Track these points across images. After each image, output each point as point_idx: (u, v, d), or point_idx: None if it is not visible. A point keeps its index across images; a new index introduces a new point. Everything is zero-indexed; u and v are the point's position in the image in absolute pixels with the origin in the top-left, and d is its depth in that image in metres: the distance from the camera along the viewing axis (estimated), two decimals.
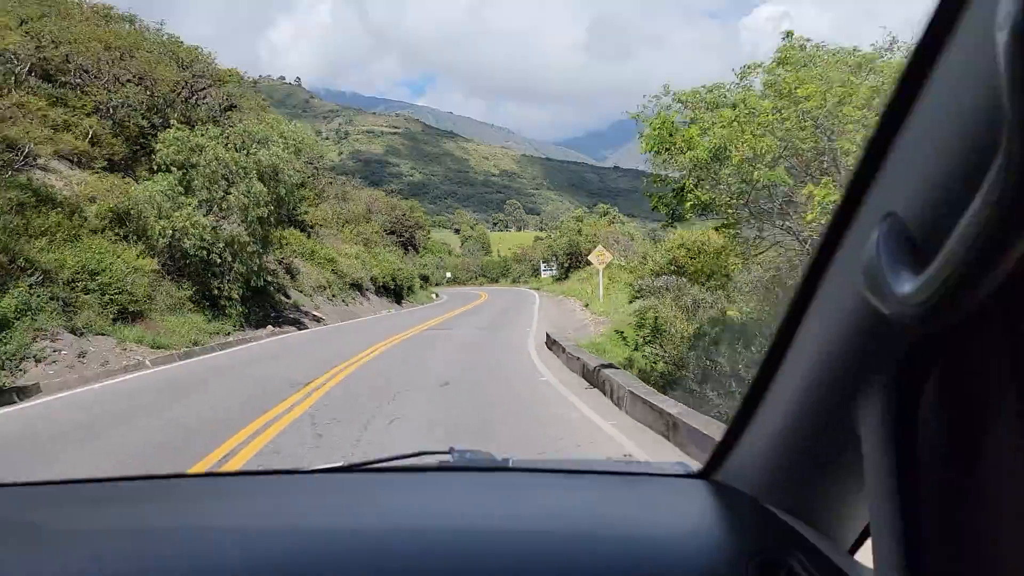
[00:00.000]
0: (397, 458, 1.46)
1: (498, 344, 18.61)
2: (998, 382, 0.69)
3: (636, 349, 15.45)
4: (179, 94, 27.62)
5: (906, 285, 0.60)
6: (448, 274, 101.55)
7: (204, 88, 29.43)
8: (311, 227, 39.13)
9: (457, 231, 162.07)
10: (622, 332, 18.33)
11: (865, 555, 0.95)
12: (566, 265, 60.51)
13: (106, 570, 0.97)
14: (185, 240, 20.22)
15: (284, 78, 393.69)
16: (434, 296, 57.27)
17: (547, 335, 17.77)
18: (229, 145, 22.29)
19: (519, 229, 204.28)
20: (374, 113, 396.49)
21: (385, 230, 54.57)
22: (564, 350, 14.58)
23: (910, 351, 0.75)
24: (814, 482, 1.05)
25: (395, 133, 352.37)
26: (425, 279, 62.17)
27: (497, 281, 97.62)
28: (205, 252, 20.78)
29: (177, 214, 20.19)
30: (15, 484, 1.35)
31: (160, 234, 20.06)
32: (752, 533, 1.07)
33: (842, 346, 0.83)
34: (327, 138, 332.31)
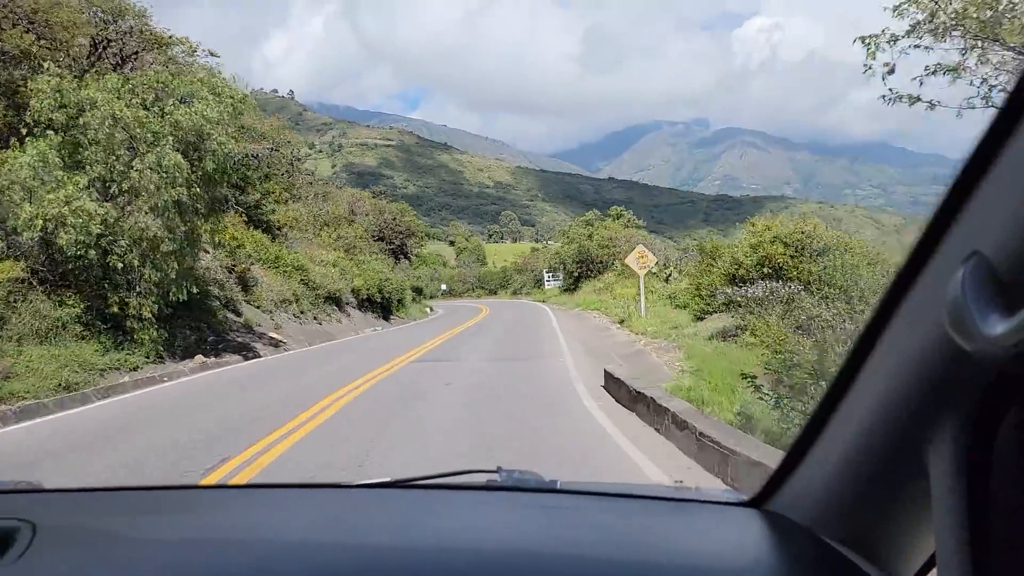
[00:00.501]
0: (445, 475, 1.40)
1: (528, 388, 11.62)
2: None
3: (777, 405, 8.68)
4: (97, 56, 20.83)
5: (997, 327, 0.59)
6: (443, 286, 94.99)
7: (136, 53, 22.48)
8: (279, 228, 32.33)
9: (452, 243, 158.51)
10: (705, 374, 11.45)
11: None
12: (576, 274, 53.75)
13: None
14: (61, 234, 13.45)
15: (277, 91, 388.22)
16: (428, 310, 50.39)
17: (606, 373, 11.07)
18: (134, 101, 15.46)
19: (514, 240, 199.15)
20: (368, 126, 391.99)
21: (372, 235, 47.72)
22: (651, 403, 8.22)
23: (988, 391, 0.74)
24: (875, 516, 1.01)
25: (389, 145, 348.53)
26: (418, 291, 55.50)
27: (496, 293, 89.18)
28: (97, 252, 14.03)
29: (51, 196, 13.42)
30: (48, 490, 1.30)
31: (26, 225, 13.33)
32: (809, 566, 1.03)
33: (918, 379, 0.81)
34: (320, 151, 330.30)
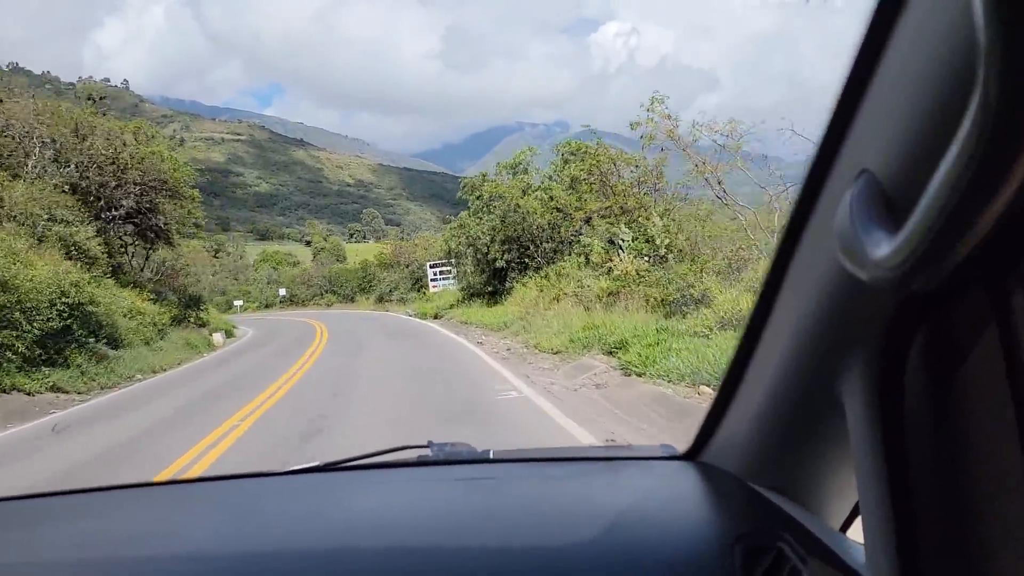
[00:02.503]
0: (375, 454, 1.37)
1: None
2: (983, 346, 0.65)
3: None
4: None
5: (882, 247, 0.55)
6: (282, 291, 67.51)
7: None
8: None
9: (308, 243, 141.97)
10: None
11: (857, 532, 0.88)
12: (499, 265, 28.08)
13: None
14: None
15: (109, 80, 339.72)
16: (212, 340, 25.16)
17: None
18: None
19: (378, 240, 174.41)
20: (214, 120, 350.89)
21: (69, 186, 20.59)
22: None
23: (892, 318, 0.71)
24: (801, 459, 0.99)
25: (238, 140, 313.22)
26: (195, 304, 29.08)
27: (354, 300, 60.90)
28: None
29: None
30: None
31: None
32: (739, 515, 1.01)
33: (821, 316, 0.79)
34: (161, 146, 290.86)
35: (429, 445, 1.39)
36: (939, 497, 0.71)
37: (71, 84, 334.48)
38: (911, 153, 0.56)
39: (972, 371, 0.67)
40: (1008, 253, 0.59)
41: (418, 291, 44.79)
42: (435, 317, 31.75)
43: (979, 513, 0.67)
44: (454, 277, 38.58)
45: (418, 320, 32.56)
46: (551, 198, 26.05)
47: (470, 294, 32.00)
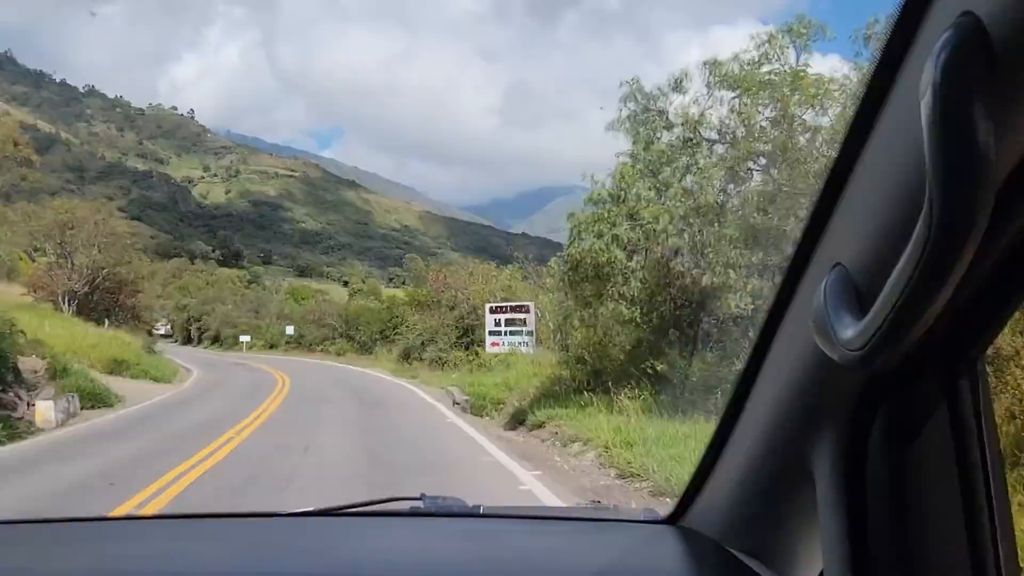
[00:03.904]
0: (369, 503, 1.35)
1: None
2: (935, 423, 0.72)
3: None
4: None
5: (849, 331, 0.61)
6: (289, 329, 55.36)
7: None
8: None
9: (346, 283, 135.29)
10: None
11: None
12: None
13: None
14: None
15: (176, 108, 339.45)
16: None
17: None
18: None
19: (417, 287, 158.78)
20: (272, 155, 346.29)
21: None
22: None
23: (858, 396, 0.76)
24: (775, 526, 1.03)
25: (292, 177, 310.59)
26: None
27: (371, 351, 42.41)
28: None
29: None
30: None
31: None
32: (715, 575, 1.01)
33: (796, 391, 0.84)
34: (216, 175, 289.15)
35: (422, 498, 1.36)
36: (895, 562, 0.75)
37: (141, 110, 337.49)
38: (878, 252, 0.62)
39: (925, 446, 0.73)
40: (958, 342, 0.68)
41: (466, 348, 27.36)
42: (519, 424, 13.61)
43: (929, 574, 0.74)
44: (529, 333, 22.16)
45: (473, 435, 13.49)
46: None
47: (580, 375, 14.49)
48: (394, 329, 39.44)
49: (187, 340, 70.09)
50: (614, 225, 12.64)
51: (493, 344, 23.77)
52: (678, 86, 12.65)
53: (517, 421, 12.34)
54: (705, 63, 12.36)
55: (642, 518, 1.32)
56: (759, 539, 1.05)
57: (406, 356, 31.52)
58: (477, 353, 24.93)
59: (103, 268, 30.37)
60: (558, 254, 16.20)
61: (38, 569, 1.05)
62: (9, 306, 24.95)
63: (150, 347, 30.81)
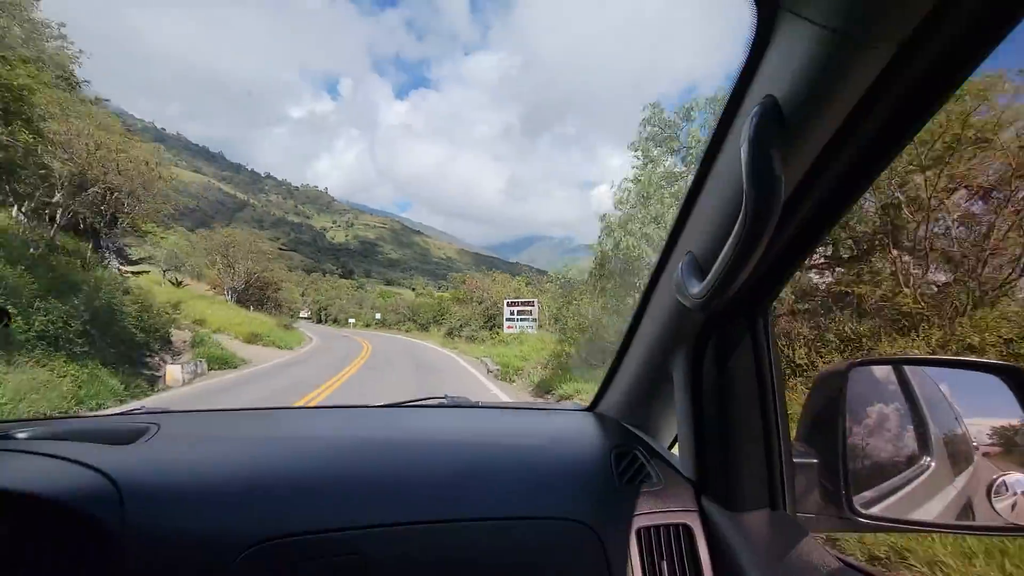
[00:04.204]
0: (418, 400, 1.34)
1: None
2: (742, 347, 0.76)
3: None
4: None
5: (695, 288, 0.63)
6: (377, 315, 51.83)
7: None
8: None
9: (413, 289, 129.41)
10: None
11: (675, 451, 0.93)
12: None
13: (258, 459, 0.85)
14: None
15: (317, 186, 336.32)
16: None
17: None
18: None
19: (456, 289, 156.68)
20: (371, 215, 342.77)
21: None
22: None
23: (699, 329, 0.79)
24: (648, 408, 1.03)
25: (383, 227, 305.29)
26: None
27: (427, 329, 39.49)
28: None
29: None
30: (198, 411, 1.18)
31: None
32: (614, 437, 1.02)
33: (664, 327, 0.85)
34: (339, 226, 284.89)
35: (445, 397, 1.38)
36: (717, 431, 0.79)
37: (296, 187, 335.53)
38: (712, 243, 0.65)
39: (736, 362, 0.76)
40: (756, 298, 0.73)
41: (490, 330, 24.19)
42: (546, 393, 9.07)
43: (734, 440, 0.77)
44: (533, 320, 18.74)
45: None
46: None
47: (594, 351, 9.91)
48: (441, 316, 36.09)
49: (319, 320, 68.84)
50: (644, 224, 9.44)
51: (509, 327, 20.81)
52: (687, 115, 9.98)
53: (543, 390, 9.08)
54: (707, 100, 9.81)
55: (572, 407, 1.30)
56: (641, 417, 1.05)
57: (449, 333, 27.68)
58: (497, 333, 21.73)
59: (253, 273, 27.19)
60: (549, 272, 13.39)
61: (256, 436, 0.97)
62: (193, 296, 21.73)
63: (287, 324, 27.28)
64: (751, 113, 0.48)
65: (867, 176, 0.55)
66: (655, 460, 0.91)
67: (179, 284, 27.46)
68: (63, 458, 0.75)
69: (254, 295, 28.84)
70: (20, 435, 0.85)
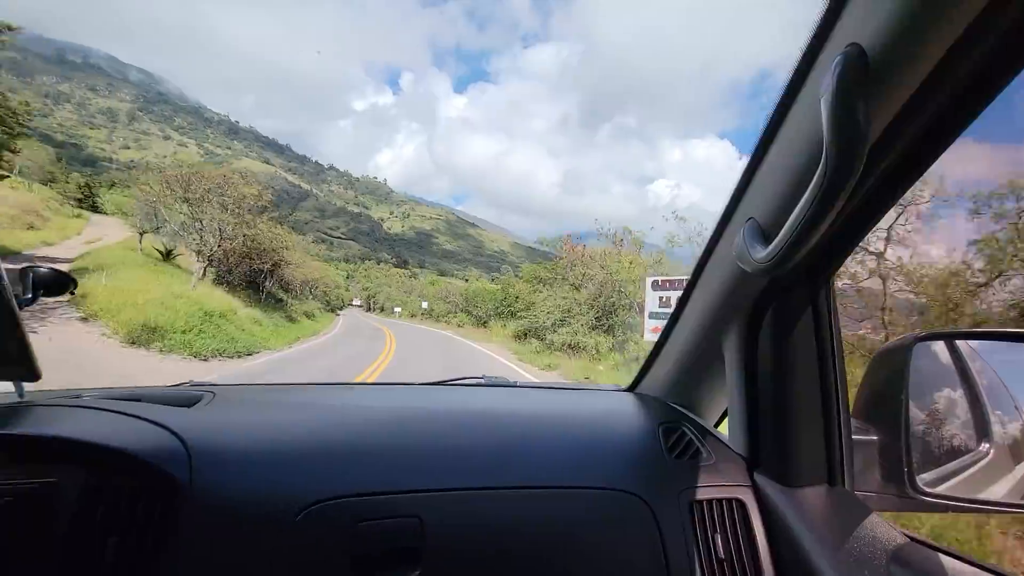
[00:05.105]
0: (460, 379, 1.34)
1: None
2: (803, 319, 0.73)
3: None
4: None
5: (760, 253, 0.60)
6: (424, 304, 43.36)
7: None
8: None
9: (466, 280, 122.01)
10: None
11: (720, 428, 0.95)
12: None
13: (313, 425, 0.85)
14: None
15: (376, 177, 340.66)
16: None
17: None
18: None
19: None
20: (429, 206, 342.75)
21: None
22: None
23: (756, 299, 0.76)
24: (695, 386, 1.01)
25: (439, 219, 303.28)
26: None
27: (486, 324, 26.58)
28: None
29: None
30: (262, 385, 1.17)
31: None
32: (660, 414, 1.00)
33: (717, 299, 0.82)
34: (396, 216, 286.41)
35: (483, 377, 1.36)
36: (772, 405, 0.76)
37: (357, 178, 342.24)
38: (776, 209, 0.62)
39: (796, 333, 0.73)
40: (819, 268, 0.70)
41: (605, 332, 13.32)
42: None
43: (791, 414, 0.75)
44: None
45: None
46: None
47: None
48: (508, 307, 24.82)
49: (368, 309, 66.17)
50: None
51: (654, 329, 9.95)
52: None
53: None
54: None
55: (612, 388, 1.26)
56: (685, 396, 1.03)
57: (526, 335, 16.53)
58: (624, 338, 11.46)
59: (228, 228, 18.86)
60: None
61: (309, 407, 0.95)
62: (136, 263, 13.09)
63: (294, 315, 18.68)
64: (833, 63, 0.45)
65: (951, 132, 0.52)
66: (704, 436, 0.90)
67: (169, 255, 19.09)
68: (134, 416, 0.77)
69: (241, 270, 18.27)
70: (87, 397, 0.87)
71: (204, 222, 15.53)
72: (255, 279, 19.15)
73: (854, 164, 0.44)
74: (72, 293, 0.91)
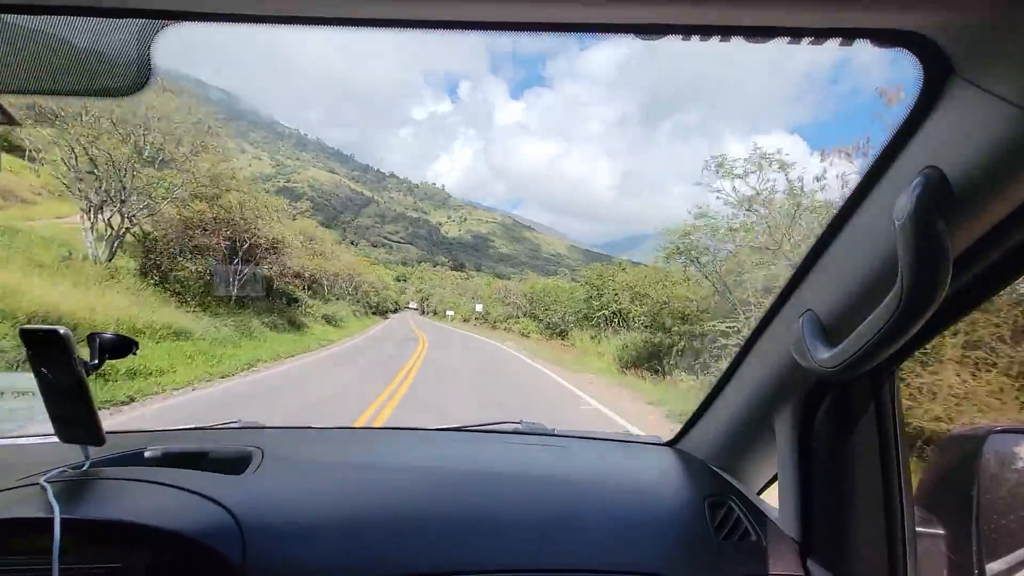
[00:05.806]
0: (490, 424, 1.29)
1: None
2: (866, 411, 0.71)
3: None
4: None
5: (823, 354, 0.59)
6: (479, 306, 37.05)
7: None
8: None
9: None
10: None
11: (766, 497, 0.95)
12: None
13: (359, 491, 0.88)
14: None
15: (435, 183, 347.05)
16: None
17: None
18: None
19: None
20: (486, 211, 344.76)
21: None
22: None
23: (812, 386, 0.76)
24: (741, 453, 0.99)
25: (495, 223, 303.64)
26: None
27: (566, 335, 19.02)
28: None
29: None
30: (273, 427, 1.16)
31: None
32: (704, 483, 0.97)
33: (771, 377, 0.82)
34: (453, 220, 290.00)
35: (520, 422, 1.31)
36: (828, 492, 0.74)
37: (416, 184, 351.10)
38: (839, 307, 0.61)
39: (856, 425, 0.71)
40: (886, 365, 0.68)
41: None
42: None
43: (850, 504, 0.73)
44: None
45: None
46: None
47: None
48: (599, 310, 16.82)
49: (422, 312, 64.78)
50: None
51: None
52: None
53: None
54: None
55: (653, 441, 1.21)
56: (730, 461, 1.00)
57: (649, 359, 10.26)
58: None
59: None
60: None
61: (321, 458, 0.99)
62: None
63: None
64: (913, 184, 0.44)
65: None
66: (751, 512, 0.87)
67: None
68: (189, 491, 0.79)
69: (165, 260, 11.38)
70: (148, 455, 0.94)
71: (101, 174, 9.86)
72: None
73: (935, 294, 0.42)
74: (135, 354, 0.86)
